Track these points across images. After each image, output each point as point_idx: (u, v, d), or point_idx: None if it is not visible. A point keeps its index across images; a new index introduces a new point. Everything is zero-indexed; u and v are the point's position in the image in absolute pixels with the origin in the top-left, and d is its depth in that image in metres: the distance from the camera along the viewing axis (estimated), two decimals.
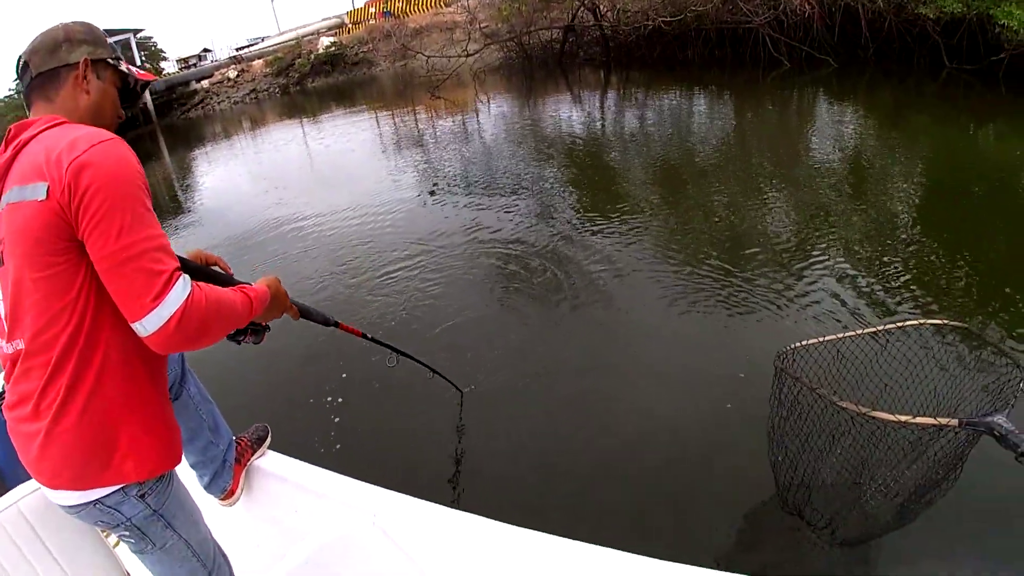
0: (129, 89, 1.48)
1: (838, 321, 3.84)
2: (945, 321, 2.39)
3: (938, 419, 1.73)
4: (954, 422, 1.73)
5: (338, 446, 3.50)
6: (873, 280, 4.31)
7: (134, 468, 1.28)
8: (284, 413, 3.86)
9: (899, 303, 4.00)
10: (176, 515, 1.43)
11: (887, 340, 2.33)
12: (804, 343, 2.24)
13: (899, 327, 2.31)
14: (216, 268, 1.60)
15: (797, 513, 2.42)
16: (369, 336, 2.39)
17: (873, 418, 1.79)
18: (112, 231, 1.11)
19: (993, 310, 3.79)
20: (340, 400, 3.93)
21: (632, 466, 3.00)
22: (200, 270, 1.50)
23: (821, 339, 2.26)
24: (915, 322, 2.33)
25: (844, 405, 1.85)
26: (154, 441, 1.32)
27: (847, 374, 2.29)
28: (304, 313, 1.80)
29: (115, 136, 1.22)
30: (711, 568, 1.29)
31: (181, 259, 1.36)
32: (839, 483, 2.27)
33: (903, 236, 5.00)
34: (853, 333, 2.26)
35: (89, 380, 1.21)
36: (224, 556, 1.65)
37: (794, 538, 2.49)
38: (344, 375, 4.16)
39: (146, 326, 1.12)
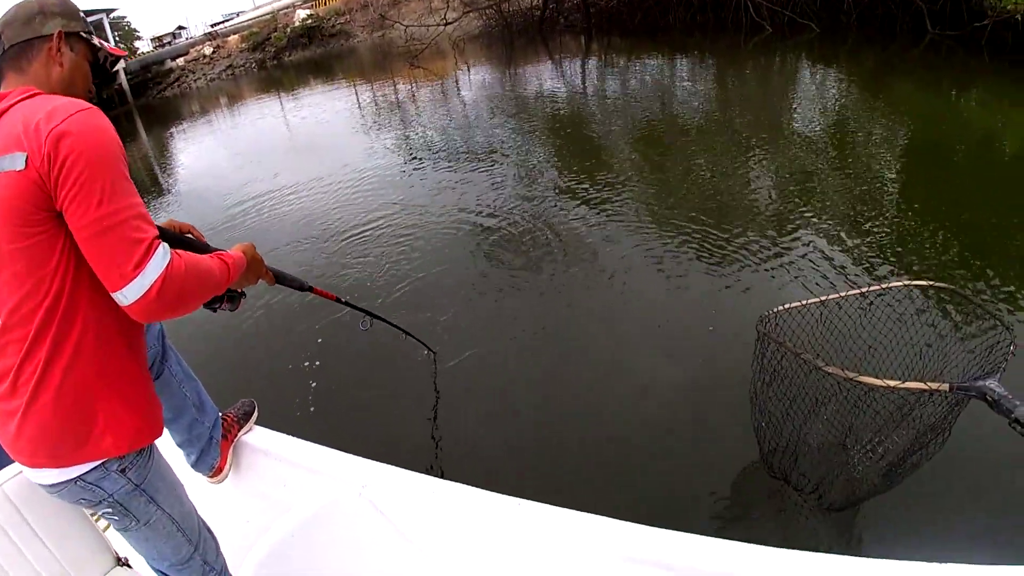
0: (100, 65, 1.46)
1: (820, 284, 3.86)
2: (931, 282, 2.31)
3: (928, 383, 1.69)
4: (945, 386, 1.69)
5: (318, 415, 3.50)
6: (856, 243, 4.33)
7: (113, 443, 1.28)
8: (263, 385, 3.86)
9: (882, 265, 4.03)
10: (159, 489, 1.43)
11: (871, 302, 2.31)
12: (786, 306, 2.21)
13: (884, 288, 2.29)
14: (190, 236, 1.58)
15: (783, 479, 2.41)
16: (343, 300, 2.40)
17: (860, 383, 1.75)
18: (92, 200, 1.11)
19: (977, 272, 3.82)
20: (317, 364, 3.94)
21: (616, 431, 3.01)
22: (176, 238, 1.49)
23: (804, 302, 2.22)
24: (900, 283, 2.31)
25: (830, 370, 1.82)
26: (133, 415, 1.32)
27: (831, 337, 2.27)
28: (279, 278, 1.79)
29: (93, 106, 1.21)
30: (696, 534, 1.32)
31: (159, 228, 1.35)
32: (825, 448, 2.25)
33: (886, 200, 5.02)
34: (837, 295, 2.23)
35: (66, 354, 1.21)
36: (210, 531, 1.65)
37: (780, 503, 2.50)
38: (320, 340, 4.19)
39: (127, 295, 1.13)
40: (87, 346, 1.23)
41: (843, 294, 2.24)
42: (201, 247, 1.52)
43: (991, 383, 1.63)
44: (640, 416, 3.08)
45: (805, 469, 2.32)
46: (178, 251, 1.21)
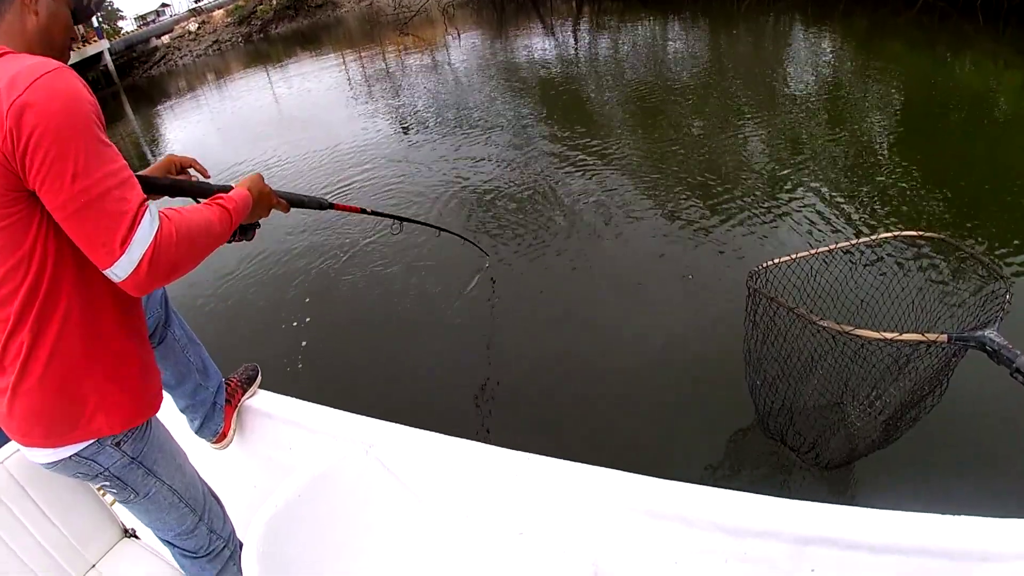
0: (83, 7, 1.29)
1: (816, 238, 3.87)
2: (921, 232, 2.22)
3: (925, 335, 1.64)
4: (943, 337, 1.64)
5: (321, 377, 3.54)
6: (849, 198, 4.34)
7: (106, 422, 1.25)
8: (262, 349, 3.87)
9: (874, 221, 4.04)
10: (157, 460, 1.39)
11: (862, 254, 2.28)
12: (776, 261, 2.16)
13: (874, 240, 2.26)
14: (186, 179, 1.49)
15: (780, 439, 2.40)
16: (368, 210, 2.24)
17: (857, 336, 1.70)
18: (66, 176, 1.00)
19: (971, 228, 3.82)
20: (313, 325, 4.03)
21: (615, 390, 3.04)
22: (170, 186, 1.39)
23: (793, 256, 2.18)
24: (890, 234, 2.22)
25: (825, 324, 1.76)
26: (125, 393, 1.27)
27: (823, 292, 2.24)
28: (295, 203, 1.66)
29: (60, 65, 1.07)
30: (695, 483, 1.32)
31: (147, 180, 1.28)
32: (821, 405, 2.24)
33: (878, 158, 5.00)
34: (827, 248, 2.19)
35: (51, 334, 1.15)
36: (216, 498, 1.62)
37: (777, 463, 2.51)
38: (307, 300, 4.27)
39: (117, 273, 1.05)
40: (72, 326, 1.16)
41: (833, 246, 2.19)
42: (201, 188, 1.42)
43: (989, 333, 1.60)
44: (640, 372, 3.11)
45: (801, 428, 2.29)
46: (169, 211, 1.11)
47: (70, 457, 1.27)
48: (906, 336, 1.65)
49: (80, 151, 1.02)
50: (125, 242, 1.02)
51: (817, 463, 2.36)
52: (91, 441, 1.26)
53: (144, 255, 1.04)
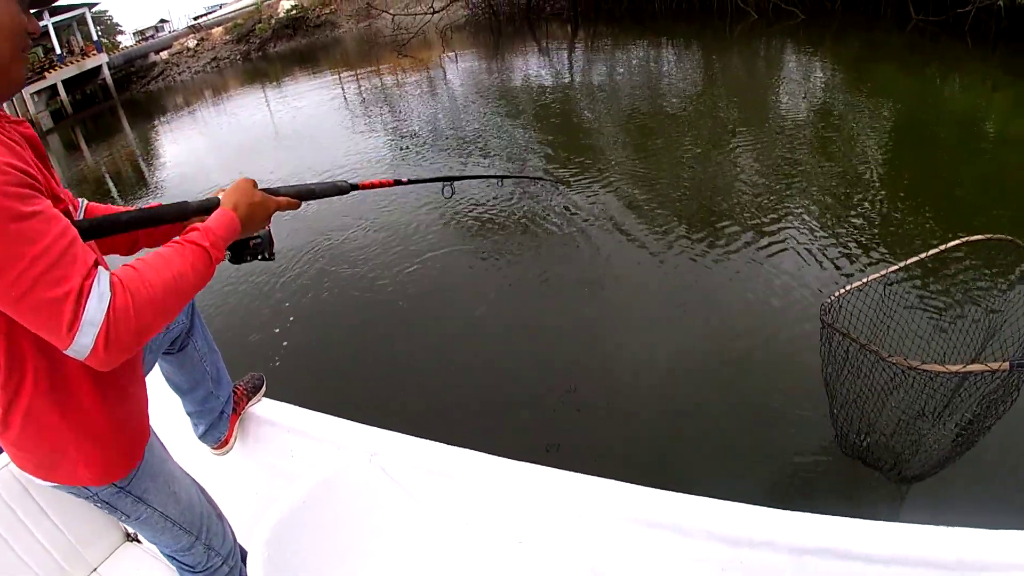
0: None
1: (822, 253, 3.96)
2: (989, 236, 2.28)
3: (988, 364, 1.70)
4: (1005, 365, 1.68)
5: (323, 385, 3.56)
6: (844, 215, 4.45)
7: (87, 475, 1.22)
8: (265, 356, 3.90)
9: (866, 237, 4.14)
10: (147, 490, 1.34)
11: (929, 266, 2.27)
12: (848, 288, 2.18)
13: (943, 250, 2.25)
14: (155, 210, 1.22)
15: (858, 457, 2.43)
16: (405, 180, 1.84)
17: (924, 371, 1.77)
18: None
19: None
20: (291, 322, 4.09)
21: (620, 399, 3.11)
22: (133, 221, 1.16)
23: (864, 280, 2.20)
24: (958, 241, 2.24)
25: (894, 360, 1.82)
26: (105, 451, 1.22)
27: (894, 313, 2.28)
28: (307, 195, 1.44)
29: None
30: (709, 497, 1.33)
31: (103, 223, 1.11)
32: (898, 426, 2.27)
33: (870, 178, 5.12)
34: (896, 266, 2.21)
35: (24, 399, 1.09)
36: (217, 514, 1.60)
37: (853, 477, 2.52)
38: (312, 309, 4.30)
39: (76, 354, 0.91)
40: (42, 391, 1.08)
41: (903, 263, 2.21)
42: (175, 212, 1.21)
43: None
44: (640, 385, 3.18)
45: (878, 447, 2.35)
46: (125, 274, 0.95)
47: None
48: (971, 367, 1.72)
49: None
50: (72, 327, 0.88)
51: (897, 477, 2.39)
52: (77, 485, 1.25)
53: (97, 337, 0.89)
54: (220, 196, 1.24)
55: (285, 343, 4.11)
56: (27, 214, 0.86)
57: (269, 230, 1.37)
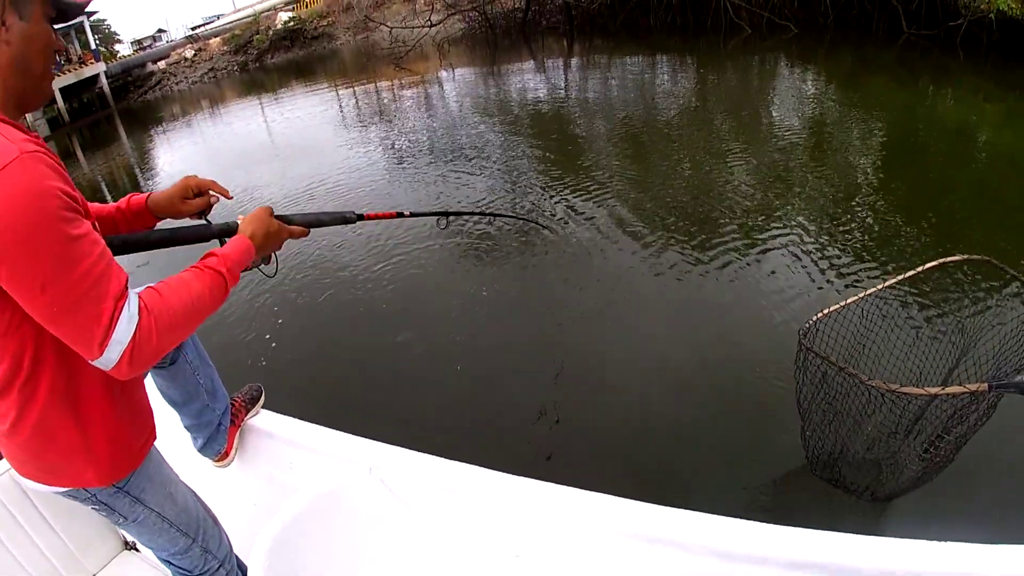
0: (62, 11, 1.11)
1: (813, 265, 4.02)
2: (966, 256, 2.33)
3: (967, 386, 1.73)
4: (983, 387, 1.73)
5: (323, 397, 3.59)
6: (836, 227, 4.53)
7: (95, 476, 1.25)
8: (263, 367, 3.95)
9: (859, 249, 4.22)
10: (144, 490, 1.37)
11: (906, 287, 2.34)
12: (826, 312, 2.21)
13: (920, 272, 2.29)
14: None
15: (830, 481, 2.45)
16: (407, 212, 2.01)
17: (904, 394, 1.81)
18: (35, 287, 0.93)
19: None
20: (288, 334, 4.09)
21: (621, 412, 3.14)
22: (162, 241, 1.35)
23: (842, 304, 2.24)
24: (935, 263, 2.28)
25: (874, 384, 1.86)
26: (115, 450, 1.26)
27: (872, 334, 2.31)
28: (314, 224, 1.55)
29: (18, 155, 0.93)
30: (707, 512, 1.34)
31: (135, 240, 1.28)
32: (872, 446, 2.31)
33: (863, 190, 5.22)
34: (875, 289, 2.25)
35: (38, 404, 1.13)
36: (214, 520, 1.61)
37: (826, 498, 2.53)
38: (310, 321, 4.33)
39: (102, 366, 1.00)
40: (57, 399, 1.14)
41: (880, 286, 2.26)
42: (198, 234, 1.38)
43: None
44: (640, 399, 3.21)
45: (853, 469, 2.38)
46: (151, 299, 1.04)
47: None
48: (950, 390, 1.78)
49: (46, 258, 0.92)
50: (103, 344, 0.97)
51: (869, 497, 2.41)
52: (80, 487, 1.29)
53: (123, 354, 0.99)
54: (239, 221, 1.36)
55: (283, 354, 4.14)
56: (75, 237, 0.95)
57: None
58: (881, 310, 2.32)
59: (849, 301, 2.25)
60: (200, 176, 1.53)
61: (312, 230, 1.55)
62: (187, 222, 1.50)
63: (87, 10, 1.20)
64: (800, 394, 2.28)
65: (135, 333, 0.99)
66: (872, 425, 2.20)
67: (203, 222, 1.44)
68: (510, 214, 2.94)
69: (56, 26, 1.10)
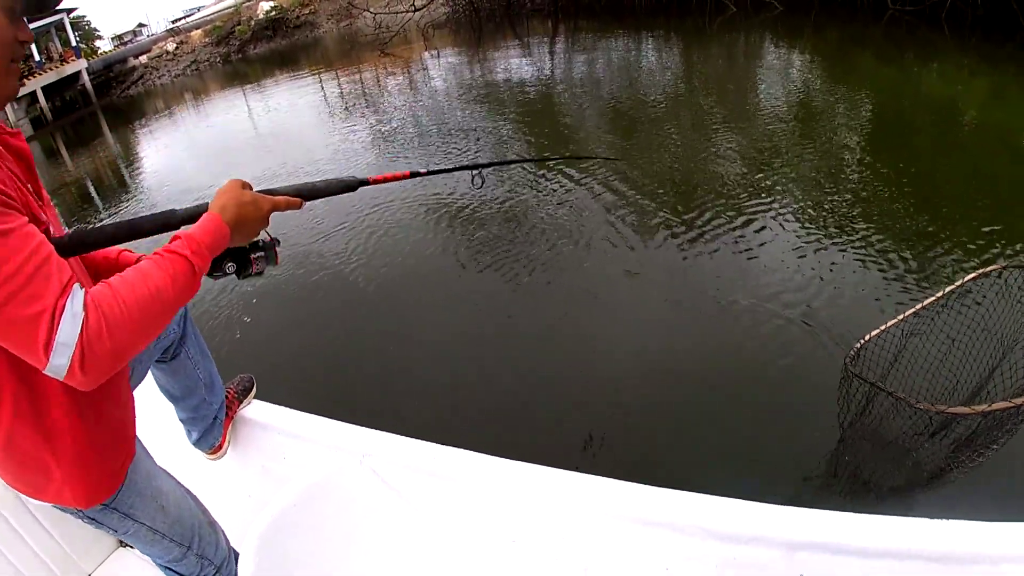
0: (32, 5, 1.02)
1: (806, 244, 4.02)
2: (1003, 266, 2.41)
3: (1012, 400, 1.81)
4: None
5: (315, 386, 3.60)
6: (823, 205, 4.54)
7: (71, 497, 1.20)
8: (250, 355, 3.94)
9: (849, 224, 4.23)
10: (134, 505, 1.32)
11: (948, 304, 2.38)
12: (868, 337, 2.25)
13: (959, 287, 2.36)
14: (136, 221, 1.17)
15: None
16: (423, 170, 1.62)
17: (953, 414, 1.89)
18: None
19: (946, 231, 3.99)
20: (300, 330, 4.03)
21: (612, 396, 3.14)
22: (114, 236, 1.13)
23: (884, 327, 2.28)
24: (972, 275, 2.36)
25: (922, 406, 1.92)
26: (87, 473, 1.19)
27: (915, 354, 2.35)
28: (311, 194, 1.31)
29: None
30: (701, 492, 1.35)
31: (83, 238, 1.10)
32: (903, 456, 2.34)
33: (851, 167, 5.22)
34: (915, 308, 2.31)
35: (3, 428, 1.07)
36: (211, 524, 1.58)
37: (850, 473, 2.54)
38: (301, 309, 4.25)
39: (55, 374, 0.88)
40: (23, 416, 1.07)
41: (920, 306, 2.32)
42: (160, 222, 1.14)
43: None
44: (631, 383, 3.22)
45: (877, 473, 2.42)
46: (100, 293, 0.91)
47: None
48: (996, 406, 1.84)
49: None
50: (48, 348, 0.86)
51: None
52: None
53: (72, 358, 0.86)
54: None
55: (273, 344, 4.14)
56: (5, 232, 0.85)
57: (271, 235, 1.26)
58: (914, 327, 2.36)
59: (889, 324, 2.28)
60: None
61: (308, 201, 1.32)
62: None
63: (64, 7, 1.04)
64: (843, 418, 2.32)
65: (81, 334, 0.86)
66: (930, 448, 2.24)
67: (171, 208, 1.18)
68: (556, 156, 2.60)
69: (32, 23, 1.03)
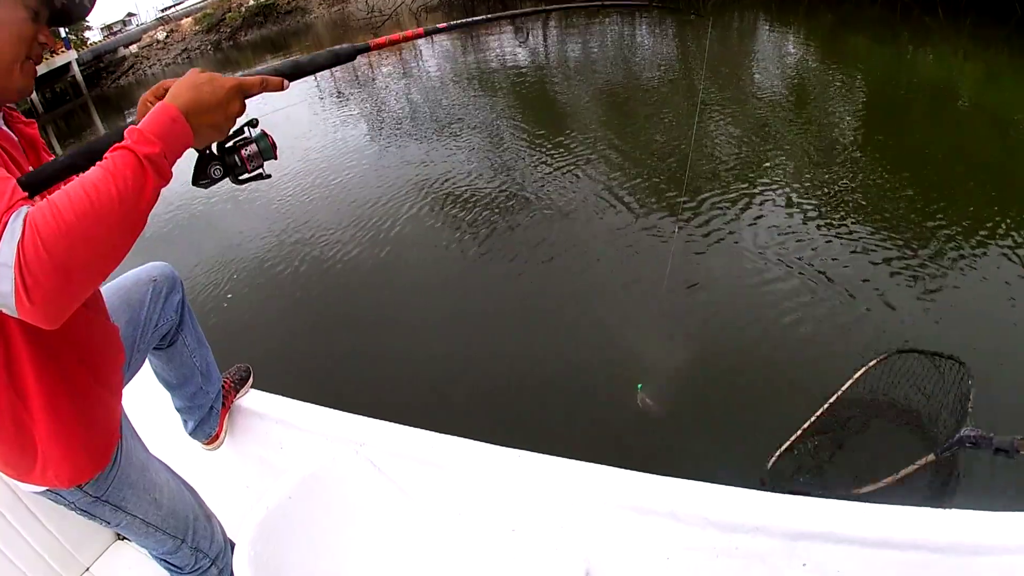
0: (58, 10, 0.99)
1: (787, 232, 4.00)
2: (886, 355, 2.56)
3: (917, 463, 1.97)
4: (931, 457, 1.96)
5: (311, 375, 3.60)
6: (816, 187, 4.52)
7: (55, 477, 1.18)
8: (246, 343, 3.95)
9: (840, 209, 4.21)
10: (125, 498, 1.31)
11: (853, 391, 2.51)
12: (783, 447, 2.35)
13: (855, 380, 2.49)
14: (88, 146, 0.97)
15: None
16: (443, 24, 1.37)
17: (867, 492, 2.03)
18: None
19: (937, 216, 3.97)
20: (296, 319, 4.07)
21: (611, 384, 3.09)
22: (64, 168, 0.95)
23: (798, 432, 2.37)
24: (874, 361, 2.53)
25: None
26: (69, 451, 1.17)
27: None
28: (295, 71, 1.13)
29: None
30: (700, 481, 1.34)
31: (34, 173, 0.95)
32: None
33: (843, 150, 5.18)
34: (821, 410, 2.41)
35: None
36: (207, 516, 1.57)
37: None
38: (297, 295, 4.24)
39: (7, 308, 0.79)
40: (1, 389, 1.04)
41: (822, 409, 2.42)
42: (107, 143, 0.90)
43: (965, 431, 1.93)
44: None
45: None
46: (36, 208, 0.79)
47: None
48: (903, 472, 2.01)
49: None
50: None
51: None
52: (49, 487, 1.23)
53: (16, 282, 0.76)
54: None
55: (270, 332, 4.13)
56: None
57: (264, 131, 1.10)
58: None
59: (802, 430, 2.38)
60: None
61: (293, 80, 1.13)
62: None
63: None
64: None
65: (18, 251, 0.76)
66: None
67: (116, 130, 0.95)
68: (622, 3, 2.44)
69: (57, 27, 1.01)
